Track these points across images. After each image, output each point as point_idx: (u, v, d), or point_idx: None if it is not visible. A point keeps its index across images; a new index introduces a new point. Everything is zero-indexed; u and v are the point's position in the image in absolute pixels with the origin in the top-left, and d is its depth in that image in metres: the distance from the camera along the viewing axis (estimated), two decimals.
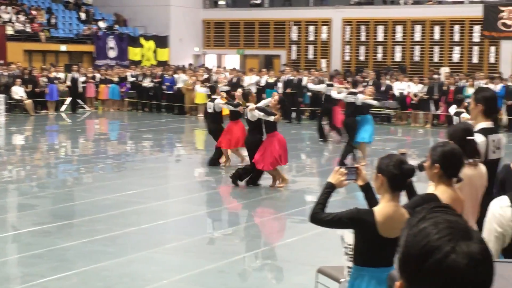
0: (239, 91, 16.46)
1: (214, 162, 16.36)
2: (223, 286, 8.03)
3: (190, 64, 35.04)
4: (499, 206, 3.88)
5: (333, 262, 7.42)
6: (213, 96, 16.65)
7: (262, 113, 13.58)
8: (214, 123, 16.50)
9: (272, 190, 13.81)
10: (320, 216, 4.87)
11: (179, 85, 29.68)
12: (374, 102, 16.94)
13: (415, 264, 1.64)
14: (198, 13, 37.87)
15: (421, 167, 5.26)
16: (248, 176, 13.99)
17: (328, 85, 21.04)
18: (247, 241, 10.16)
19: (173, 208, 12.56)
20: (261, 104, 14.35)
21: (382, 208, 4.75)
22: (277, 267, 8.89)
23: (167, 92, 30.19)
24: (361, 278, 4.79)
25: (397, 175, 4.70)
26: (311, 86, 23.72)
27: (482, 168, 5.85)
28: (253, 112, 13.74)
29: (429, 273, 1.61)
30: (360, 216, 4.75)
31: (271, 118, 13.48)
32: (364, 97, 16.42)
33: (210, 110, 16.50)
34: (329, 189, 4.99)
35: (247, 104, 14.53)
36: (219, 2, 39.29)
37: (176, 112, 29.89)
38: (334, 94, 18.34)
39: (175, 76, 30.35)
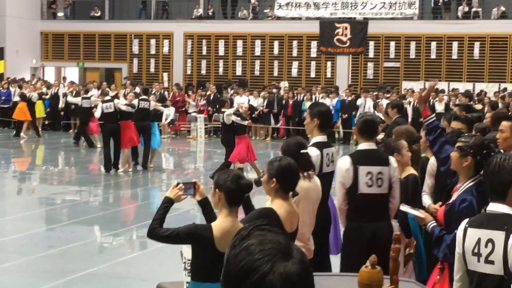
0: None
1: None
2: None
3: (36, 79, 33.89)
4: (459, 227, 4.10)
5: (173, 277, 7.38)
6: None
7: (238, 118, 15.66)
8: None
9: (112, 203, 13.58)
10: (157, 232, 4.83)
11: (16, 98, 28.59)
12: (163, 108, 18.48)
13: (235, 283, 1.65)
14: (36, 24, 36.76)
15: (258, 182, 5.31)
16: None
17: (84, 98, 22.66)
18: (85, 258, 9.91)
19: (8, 226, 12.09)
20: (233, 110, 16.39)
21: (220, 223, 4.77)
22: (116, 284, 8.73)
23: (2, 106, 29.08)
24: None
25: (234, 190, 4.74)
26: (70, 99, 24.88)
27: (317, 181, 6.00)
28: (230, 116, 15.69)
29: None
30: (198, 232, 4.74)
31: (245, 123, 15.97)
32: (155, 103, 18.01)
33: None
34: (167, 204, 4.97)
35: (223, 109, 16.53)
36: (58, 14, 38.31)
37: (12, 126, 28.75)
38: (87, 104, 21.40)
39: (11, 89, 29.26)
